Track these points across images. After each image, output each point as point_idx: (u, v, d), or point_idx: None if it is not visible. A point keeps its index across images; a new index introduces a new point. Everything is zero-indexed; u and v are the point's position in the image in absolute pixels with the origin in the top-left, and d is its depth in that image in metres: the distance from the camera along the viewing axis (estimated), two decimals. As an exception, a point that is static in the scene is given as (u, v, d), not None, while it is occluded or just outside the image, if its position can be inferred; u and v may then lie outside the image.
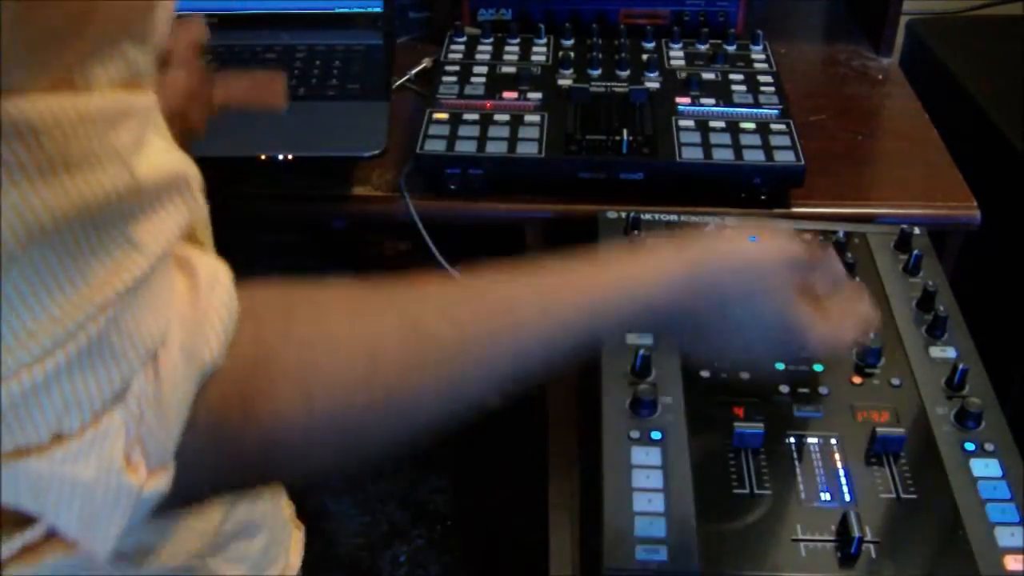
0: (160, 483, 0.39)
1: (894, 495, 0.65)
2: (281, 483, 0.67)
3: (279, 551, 0.68)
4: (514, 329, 0.48)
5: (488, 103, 0.99)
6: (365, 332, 0.45)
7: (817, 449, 0.68)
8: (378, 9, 1.12)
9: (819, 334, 0.58)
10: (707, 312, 0.55)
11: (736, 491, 0.65)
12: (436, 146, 0.93)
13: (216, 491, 0.47)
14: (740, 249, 0.56)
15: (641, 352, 0.73)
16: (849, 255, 0.83)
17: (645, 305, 0.52)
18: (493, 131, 0.95)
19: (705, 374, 0.73)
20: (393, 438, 0.46)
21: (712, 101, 0.99)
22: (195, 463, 0.40)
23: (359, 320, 0.45)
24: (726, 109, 0.98)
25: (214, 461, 0.42)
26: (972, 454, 0.68)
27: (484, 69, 1.05)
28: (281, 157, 0.95)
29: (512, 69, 1.05)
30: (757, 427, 0.68)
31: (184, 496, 0.41)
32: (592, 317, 0.51)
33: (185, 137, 0.70)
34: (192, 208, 0.41)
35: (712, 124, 0.96)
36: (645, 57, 1.07)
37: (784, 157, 0.92)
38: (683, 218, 0.88)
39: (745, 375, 0.73)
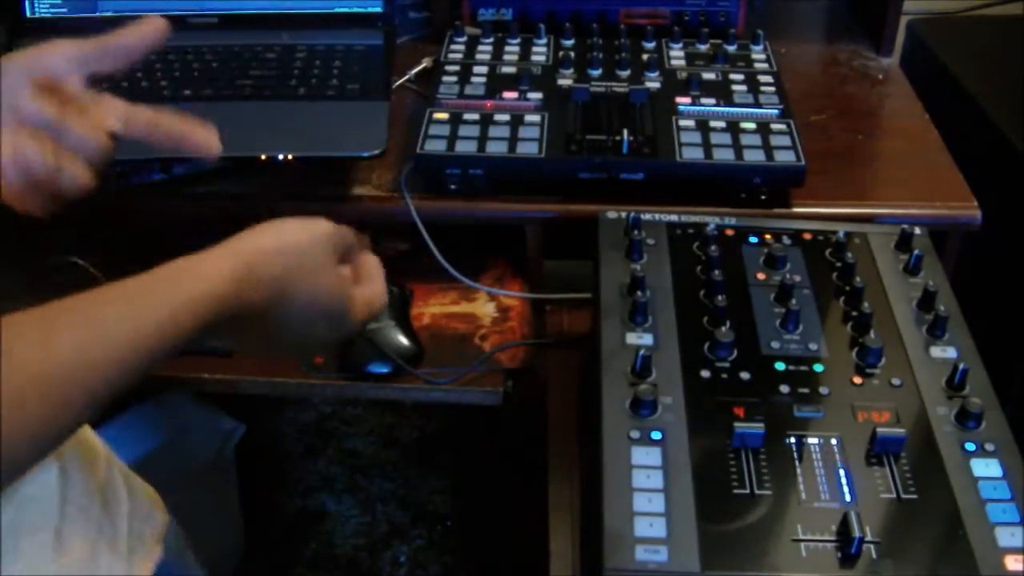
0: None
1: (894, 495, 0.65)
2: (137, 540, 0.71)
3: None
4: (105, 349, 0.51)
5: (488, 103, 0.99)
6: None
7: (817, 449, 0.68)
8: (378, 9, 1.12)
9: (360, 299, 0.67)
10: (267, 303, 0.60)
11: (736, 491, 0.65)
12: (436, 146, 0.93)
13: None
14: (282, 237, 0.62)
15: (641, 352, 0.73)
16: (849, 255, 0.83)
17: (215, 309, 0.56)
18: (493, 131, 0.95)
19: (705, 374, 0.73)
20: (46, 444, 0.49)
21: (712, 101, 0.99)
22: None
23: None
24: (726, 109, 0.98)
25: None
26: (972, 454, 0.68)
27: (484, 69, 1.05)
28: (281, 157, 0.95)
29: (512, 69, 1.05)
30: (757, 427, 0.68)
31: None
32: (173, 324, 0.54)
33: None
34: None
35: (712, 124, 0.96)
36: (645, 57, 1.07)
37: (784, 157, 0.92)
38: (683, 218, 0.88)
39: (745, 375, 0.73)
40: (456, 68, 1.05)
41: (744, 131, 0.95)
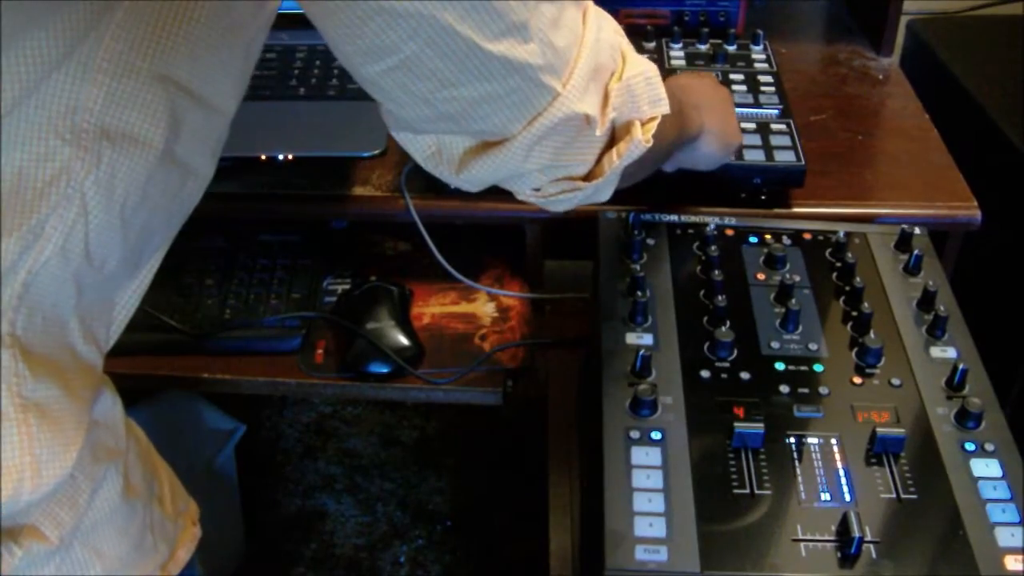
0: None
1: (894, 495, 0.65)
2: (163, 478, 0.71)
3: (157, 542, 0.68)
4: None
5: (488, 103, 0.99)
6: None
7: (817, 449, 0.68)
8: (378, 9, 1.11)
9: None
10: None
11: (736, 491, 0.65)
12: (436, 146, 0.93)
13: None
14: None
15: (641, 352, 0.73)
16: (849, 255, 0.83)
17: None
18: (493, 131, 0.94)
19: (705, 374, 0.73)
20: None
21: (712, 101, 0.99)
22: None
23: None
24: (726, 109, 0.98)
25: None
26: (972, 454, 0.68)
27: (484, 69, 1.05)
28: (281, 157, 0.95)
29: (512, 69, 1.05)
30: (757, 427, 0.68)
31: None
32: None
33: None
34: None
35: (712, 124, 0.96)
36: (646, 57, 1.06)
37: (784, 157, 0.92)
38: (683, 218, 0.88)
39: (745, 375, 0.73)
40: (456, 68, 1.05)
41: (744, 131, 0.94)
